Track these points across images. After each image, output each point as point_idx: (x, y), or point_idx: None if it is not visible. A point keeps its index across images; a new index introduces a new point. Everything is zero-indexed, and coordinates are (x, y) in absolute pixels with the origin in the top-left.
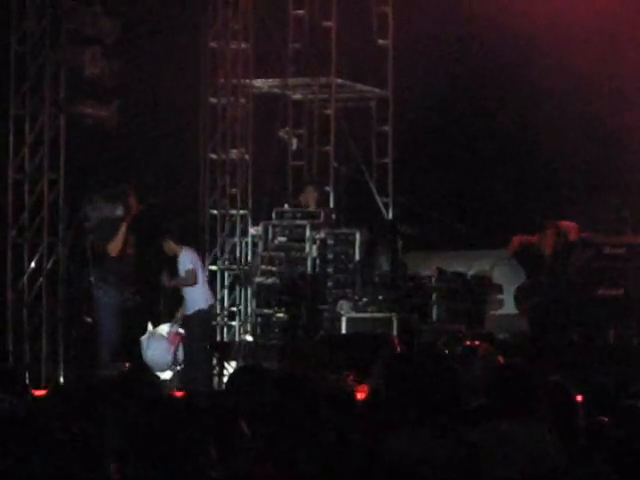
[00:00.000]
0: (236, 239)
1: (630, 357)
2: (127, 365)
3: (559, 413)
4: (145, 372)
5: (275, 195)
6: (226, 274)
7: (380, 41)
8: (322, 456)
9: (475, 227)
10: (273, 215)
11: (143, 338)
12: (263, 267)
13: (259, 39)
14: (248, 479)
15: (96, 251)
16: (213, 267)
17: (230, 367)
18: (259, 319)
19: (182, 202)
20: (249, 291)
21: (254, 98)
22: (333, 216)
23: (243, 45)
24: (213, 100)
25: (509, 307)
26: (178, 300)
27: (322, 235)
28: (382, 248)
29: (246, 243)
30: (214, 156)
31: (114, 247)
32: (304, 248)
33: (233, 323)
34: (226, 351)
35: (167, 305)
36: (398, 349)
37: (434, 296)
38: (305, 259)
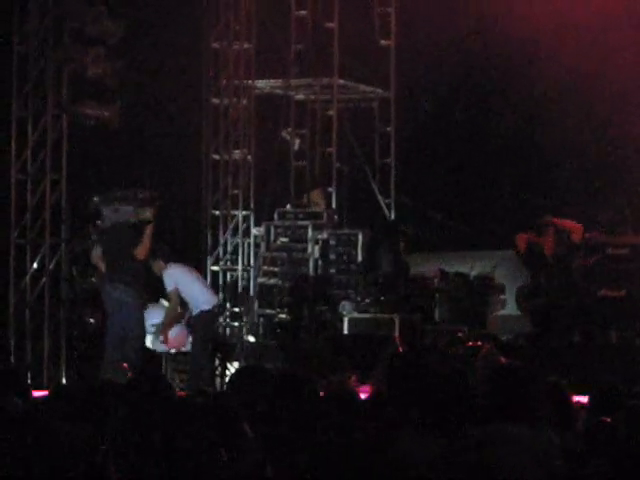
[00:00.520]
0: (238, 239)
1: (632, 358)
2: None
3: (556, 413)
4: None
5: (277, 196)
6: (228, 275)
7: (382, 42)
8: (324, 456)
9: (477, 228)
10: (275, 216)
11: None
12: (265, 268)
13: (261, 40)
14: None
15: (112, 252)
16: (215, 267)
17: (233, 367)
18: (261, 320)
19: (184, 202)
20: (251, 292)
21: (256, 99)
22: (335, 217)
23: (245, 46)
24: (215, 101)
25: (511, 308)
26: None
27: (324, 236)
28: (384, 249)
29: (248, 244)
30: (216, 156)
31: (142, 251)
32: (306, 249)
33: (235, 324)
34: (229, 352)
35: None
36: (400, 350)
37: (436, 297)
38: (307, 260)
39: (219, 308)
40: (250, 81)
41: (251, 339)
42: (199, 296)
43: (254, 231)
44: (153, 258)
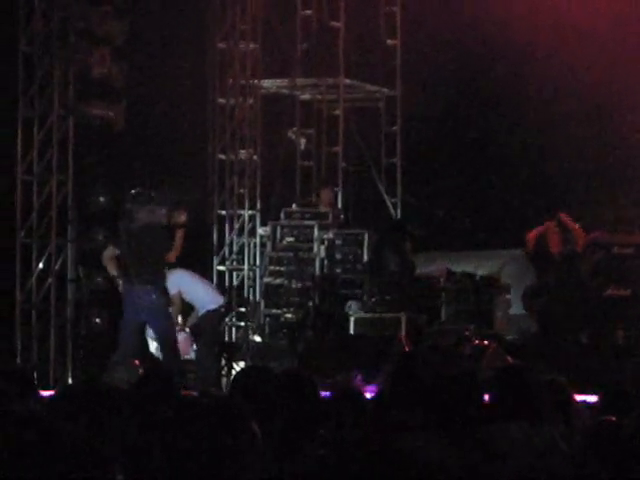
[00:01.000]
0: (244, 239)
1: (638, 357)
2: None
3: (558, 412)
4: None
5: (283, 195)
6: (234, 274)
7: (388, 41)
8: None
9: (484, 227)
10: (281, 215)
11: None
12: (271, 268)
13: (267, 39)
14: None
15: (142, 254)
16: (221, 267)
17: (239, 367)
18: (267, 319)
19: (190, 202)
20: (257, 292)
21: (262, 98)
22: (341, 216)
23: (251, 45)
24: (222, 100)
25: (518, 307)
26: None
27: (330, 235)
28: (390, 248)
29: (254, 243)
30: (223, 156)
31: (173, 254)
32: (312, 248)
33: (241, 323)
34: (234, 351)
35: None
36: (406, 349)
37: (443, 296)
38: (313, 259)
39: (226, 307)
40: (256, 81)
41: (257, 339)
42: (204, 296)
43: (260, 231)
44: None
